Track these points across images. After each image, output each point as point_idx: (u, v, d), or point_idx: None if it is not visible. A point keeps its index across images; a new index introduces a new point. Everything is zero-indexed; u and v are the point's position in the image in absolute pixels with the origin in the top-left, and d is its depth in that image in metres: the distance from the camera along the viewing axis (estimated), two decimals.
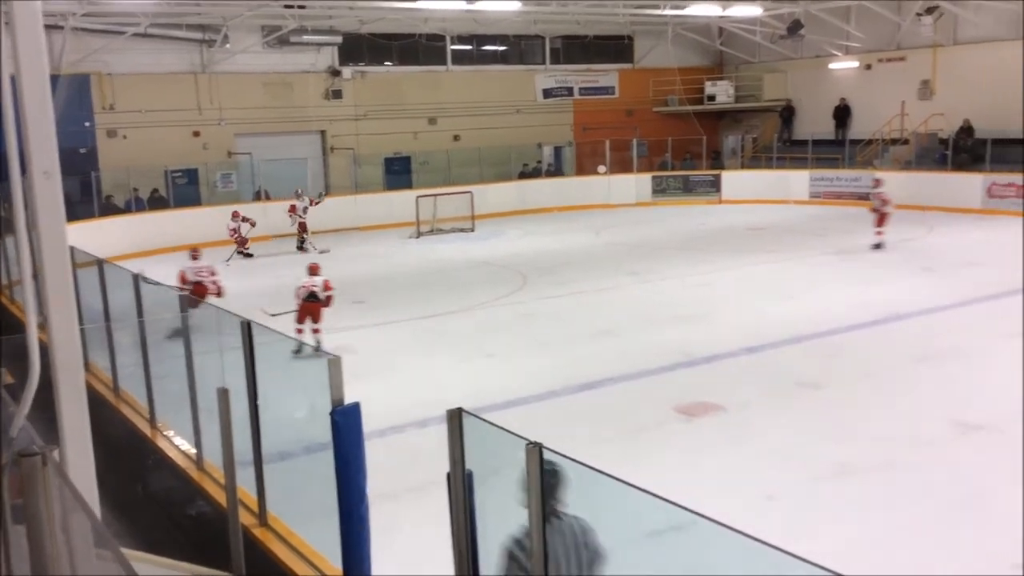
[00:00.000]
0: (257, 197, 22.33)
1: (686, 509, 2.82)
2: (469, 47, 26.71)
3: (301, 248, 19.43)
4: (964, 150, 22.60)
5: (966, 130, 22.71)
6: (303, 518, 4.75)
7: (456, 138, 25.86)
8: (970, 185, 21.74)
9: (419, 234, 20.68)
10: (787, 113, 28.05)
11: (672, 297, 13.32)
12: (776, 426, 7.76)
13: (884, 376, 9.14)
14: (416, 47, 25.48)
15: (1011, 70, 22.54)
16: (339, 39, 23.11)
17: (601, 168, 25.87)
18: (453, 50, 26.26)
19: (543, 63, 28.05)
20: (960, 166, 22.44)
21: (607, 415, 8.20)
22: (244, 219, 18.87)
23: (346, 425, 3.65)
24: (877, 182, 17.42)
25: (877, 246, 16.36)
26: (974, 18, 22.79)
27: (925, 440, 7.28)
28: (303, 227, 19.59)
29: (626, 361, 9.76)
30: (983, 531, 5.70)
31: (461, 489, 3.06)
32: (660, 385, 8.99)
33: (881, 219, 16.67)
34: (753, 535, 2.63)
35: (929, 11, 22.20)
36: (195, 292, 11.22)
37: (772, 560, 2.62)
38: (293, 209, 19.85)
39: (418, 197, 21.21)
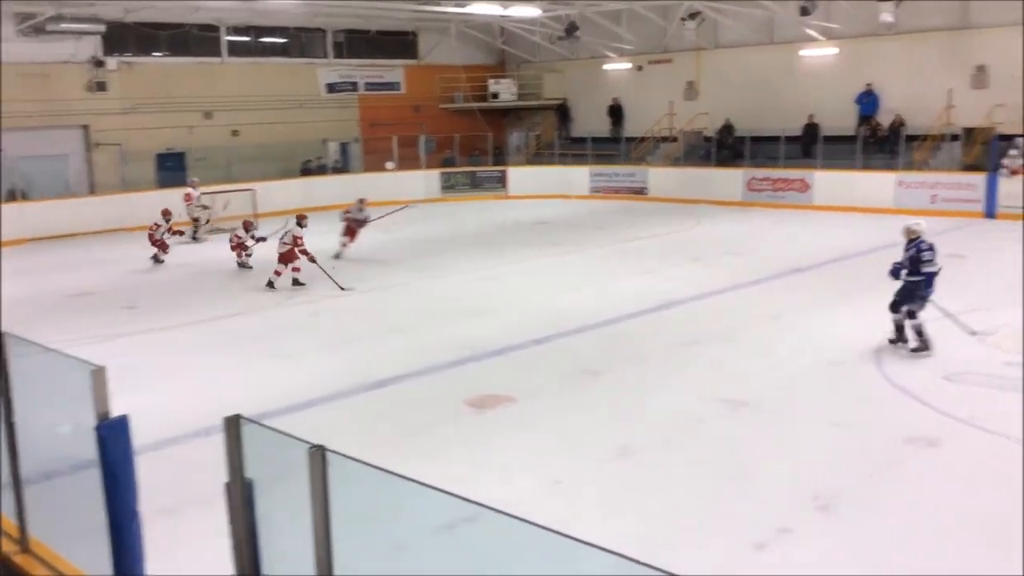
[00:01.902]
0: (12, 197, 20.50)
1: (468, 500, 2.83)
2: (247, 39, 25.77)
3: (195, 238, 19.04)
4: (726, 147, 24.31)
5: (727, 128, 24.44)
6: (70, 541, 4.40)
7: (235, 133, 24.89)
8: (732, 179, 23.43)
9: (196, 234, 19.73)
10: (563, 111, 29.07)
11: (461, 292, 13.47)
12: (564, 413, 8.03)
13: (660, 360, 9.67)
14: (187, 37, 24.28)
15: (764, 73, 24.50)
16: (102, 28, 21.60)
17: (389, 164, 25.75)
18: (229, 41, 25.24)
19: (326, 57, 27.53)
20: (723, 162, 24.13)
21: (399, 412, 8.17)
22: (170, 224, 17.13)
23: (113, 440, 3.41)
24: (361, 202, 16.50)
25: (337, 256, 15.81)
26: (733, 24, 24.56)
27: (697, 419, 7.75)
28: (195, 217, 19.29)
29: (416, 357, 9.75)
30: (751, 500, 6.14)
31: (240, 500, 2.93)
32: (451, 380, 9.05)
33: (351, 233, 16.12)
34: (539, 522, 2.69)
35: (692, 16, 23.69)
36: None
37: (559, 545, 2.69)
38: (188, 198, 19.25)
39: (187, 195, 20.23)
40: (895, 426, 7.40)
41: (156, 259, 16.52)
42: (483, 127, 29.16)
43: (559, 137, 28.45)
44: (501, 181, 26.60)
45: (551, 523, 2.68)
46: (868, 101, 22.49)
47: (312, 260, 13.71)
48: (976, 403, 7.87)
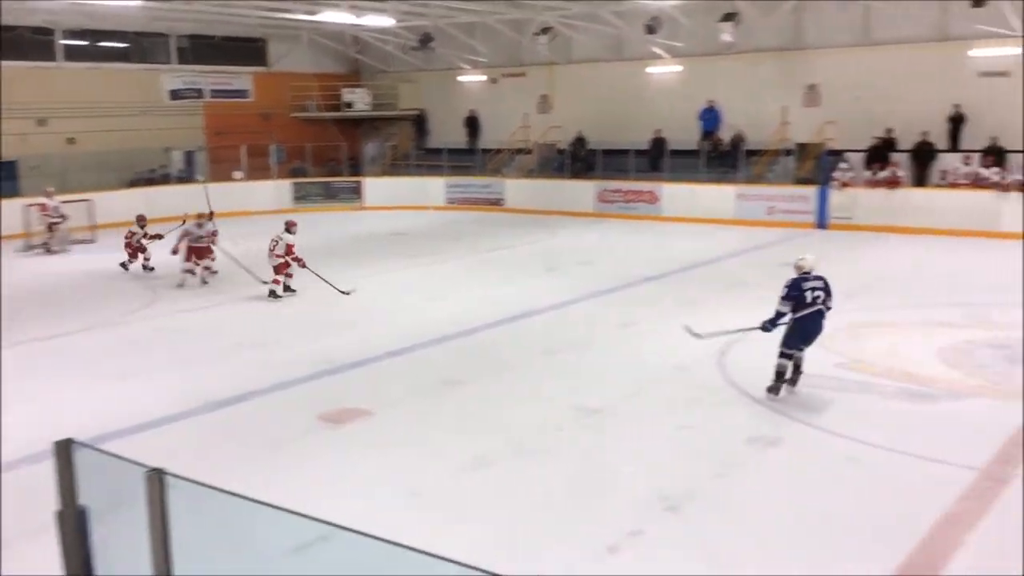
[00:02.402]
0: None
1: (318, 520, 2.78)
2: (84, 43, 24.49)
3: (49, 250, 18.41)
4: (579, 159, 24.87)
5: (580, 141, 25.00)
6: None
7: (71, 141, 23.59)
8: (585, 191, 23.98)
9: (31, 247, 18.56)
10: (419, 122, 29.04)
11: (317, 304, 13.20)
12: (422, 424, 7.99)
13: (518, 369, 9.78)
14: (20, 40, 22.85)
15: (614, 88, 25.23)
16: None
17: (237, 174, 25.00)
18: (64, 45, 23.93)
19: (169, 62, 26.49)
20: (576, 174, 24.66)
21: (249, 431, 7.93)
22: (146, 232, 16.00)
23: None
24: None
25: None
26: (584, 40, 25.18)
27: (553, 426, 7.88)
28: (51, 227, 18.51)
29: (270, 373, 9.49)
30: (604, 504, 6.27)
31: (72, 529, 2.76)
32: (306, 395, 8.86)
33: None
34: (395, 537, 2.67)
35: (544, 31, 24.15)
36: None
37: (414, 561, 2.67)
38: (44, 208, 18.52)
39: (27, 206, 19.06)
40: (738, 427, 7.74)
41: (124, 265, 15.95)
42: (337, 137, 28.74)
43: (415, 148, 28.36)
44: (356, 192, 26.28)
45: (409, 536, 2.66)
46: (710, 117, 23.48)
47: (304, 266, 13.57)
48: (812, 403, 8.32)
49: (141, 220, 16.12)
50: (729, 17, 21.45)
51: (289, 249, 13.43)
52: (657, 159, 23.64)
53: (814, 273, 8.40)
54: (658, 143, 23.73)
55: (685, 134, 23.32)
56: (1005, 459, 6.91)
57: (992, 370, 9.24)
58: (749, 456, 7.16)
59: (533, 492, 6.50)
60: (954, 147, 20.31)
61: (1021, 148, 18.83)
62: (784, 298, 8.30)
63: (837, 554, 5.56)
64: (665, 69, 24.58)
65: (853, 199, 20.14)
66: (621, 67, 25.28)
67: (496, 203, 25.36)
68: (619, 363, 9.94)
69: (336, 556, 2.84)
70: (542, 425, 7.91)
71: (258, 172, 25.60)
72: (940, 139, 20.38)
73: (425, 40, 25.32)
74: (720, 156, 22.85)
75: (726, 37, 21.57)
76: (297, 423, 8.01)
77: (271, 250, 13.52)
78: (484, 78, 27.97)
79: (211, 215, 15.16)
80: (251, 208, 23.49)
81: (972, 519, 5.93)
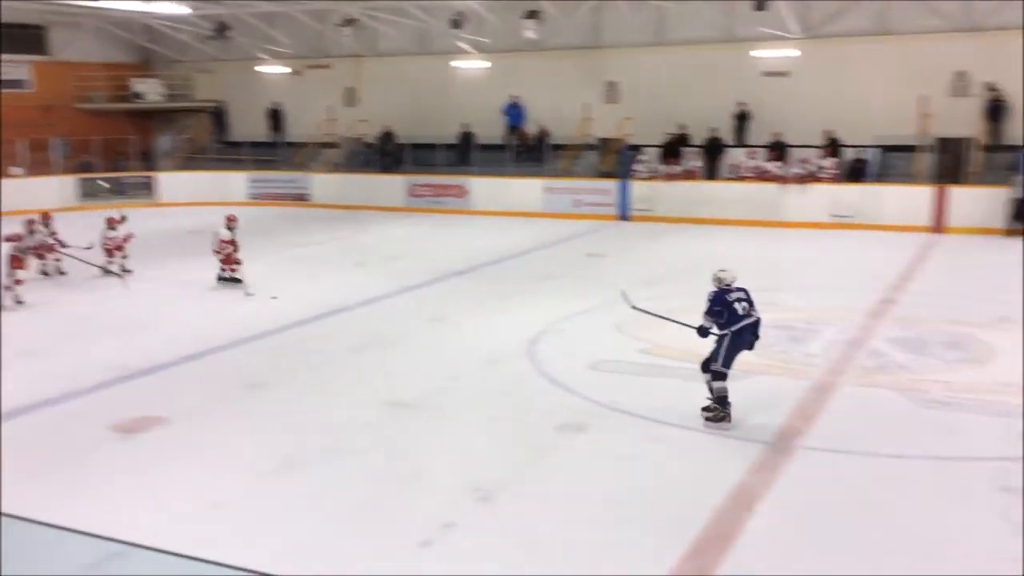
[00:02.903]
0: None
1: (112, 540, 2.57)
2: None
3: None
4: (387, 154, 24.65)
5: (388, 135, 24.77)
6: None
7: None
8: (394, 186, 23.81)
9: None
10: (219, 114, 27.86)
11: (108, 308, 12.38)
12: (224, 430, 7.63)
13: (327, 368, 9.53)
14: None
15: (421, 82, 25.17)
16: None
17: (16, 170, 23.08)
18: None
19: None
20: (385, 168, 24.43)
21: (33, 445, 7.30)
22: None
23: None
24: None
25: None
26: (389, 32, 24.95)
27: (363, 424, 7.73)
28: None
29: (53, 384, 8.78)
30: (416, 499, 6.21)
31: None
32: (95, 405, 8.26)
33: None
34: (193, 554, 2.50)
35: (348, 23, 23.73)
36: None
37: (211, 573, 2.52)
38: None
39: None
40: (548, 415, 7.88)
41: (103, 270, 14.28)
42: (127, 130, 27.09)
43: (214, 141, 27.17)
44: (149, 187, 24.90)
45: (210, 549, 2.49)
46: (514, 112, 23.88)
47: (230, 264, 13.64)
48: (617, 389, 8.59)
49: (113, 222, 14.89)
50: (532, 15, 21.86)
51: (221, 245, 13.69)
52: (465, 153, 23.80)
53: (735, 285, 7.69)
54: (466, 137, 23.89)
55: (492, 128, 23.60)
56: (790, 432, 7.40)
57: (778, 349, 9.87)
58: (559, 443, 7.30)
59: (343, 493, 6.35)
60: (740, 142, 21.65)
61: (800, 144, 20.32)
62: (708, 312, 7.59)
63: (643, 529, 5.76)
64: (471, 64, 24.76)
65: (653, 191, 21.06)
66: (427, 61, 25.25)
67: (302, 198, 24.73)
68: (430, 357, 9.91)
69: (134, 573, 2.63)
70: (352, 424, 7.75)
71: (39, 167, 23.73)
72: (728, 135, 21.66)
73: (221, 29, 24.31)
74: (527, 150, 23.29)
75: (529, 34, 21.98)
76: (87, 435, 7.45)
77: (213, 250, 13.80)
78: (287, 70, 27.17)
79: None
80: (33, 206, 21.67)
81: (762, 489, 6.30)
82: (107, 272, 14.05)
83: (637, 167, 21.44)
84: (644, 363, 9.46)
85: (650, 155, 21.65)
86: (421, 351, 10.17)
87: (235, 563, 4.51)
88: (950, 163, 19.15)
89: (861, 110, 20.16)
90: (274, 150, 26.19)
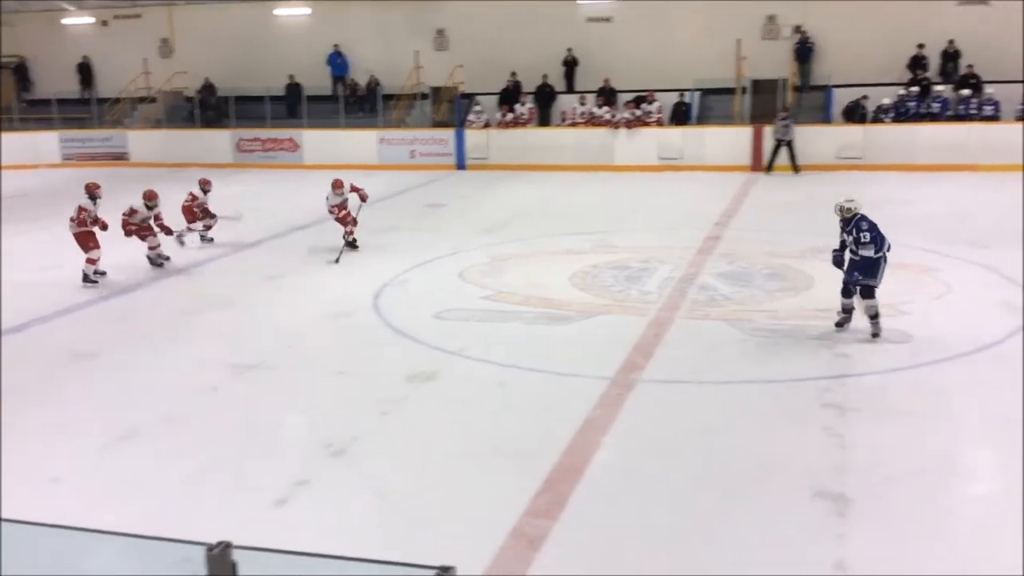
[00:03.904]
0: None
1: None
2: None
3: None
4: (210, 108, 23.58)
5: (209, 88, 23.69)
6: None
7: None
8: (220, 141, 22.87)
9: None
10: (20, 71, 25.83)
11: None
12: (55, 404, 7.23)
13: (163, 332, 9.16)
14: None
15: (241, 31, 24.13)
16: None
17: None
18: None
19: None
20: (208, 123, 23.39)
21: None
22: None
23: None
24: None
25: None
26: None
27: (206, 389, 7.50)
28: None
29: None
30: (267, 459, 6.12)
31: None
32: None
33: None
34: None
35: None
36: None
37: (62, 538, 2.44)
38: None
39: None
40: (396, 366, 7.89)
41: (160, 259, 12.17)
42: None
43: (17, 100, 25.21)
44: None
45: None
46: (338, 62, 23.33)
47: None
48: (463, 336, 8.68)
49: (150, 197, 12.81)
50: None
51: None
52: (294, 105, 23.11)
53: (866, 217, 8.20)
54: (293, 89, 23.18)
55: (321, 79, 23.01)
56: (630, 367, 7.72)
57: (615, 289, 10.23)
58: (409, 392, 7.34)
59: (191, 458, 6.17)
60: (570, 89, 22.02)
61: (628, 89, 20.88)
62: (872, 240, 8.04)
63: (497, 469, 5.90)
64: (293, 11, 23.94)
65: (487, 140, 21.16)
66: (246, 9, 24.23)
67: (120, 157, 23.40)
68: (271, 316, 9.69)
69: None
70: (194, 389, 7.51)
71: None
72: (558, 82, 21.98)
73: None
74: (358, 101, 22.84)
75: None
76: None
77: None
78: (92, 20, 25.40)
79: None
80: None
81: (607, 423, 6.57)
82: None
83: (471, 116, 21.45)
84: (488, 309, 9.59)
85: (483, 103, 21.70)
86: (261, 310, 9.93)
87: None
88: (765, 104, 20.20)
89: (682, 53, 20.87)
90: (86, 107, 24.55)
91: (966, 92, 18.87)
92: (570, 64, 22.10)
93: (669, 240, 12.75)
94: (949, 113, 18.95)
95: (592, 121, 20.83)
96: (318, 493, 5.64)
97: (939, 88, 19.24)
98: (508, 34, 22.24)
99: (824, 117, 19.78)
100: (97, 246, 11.14)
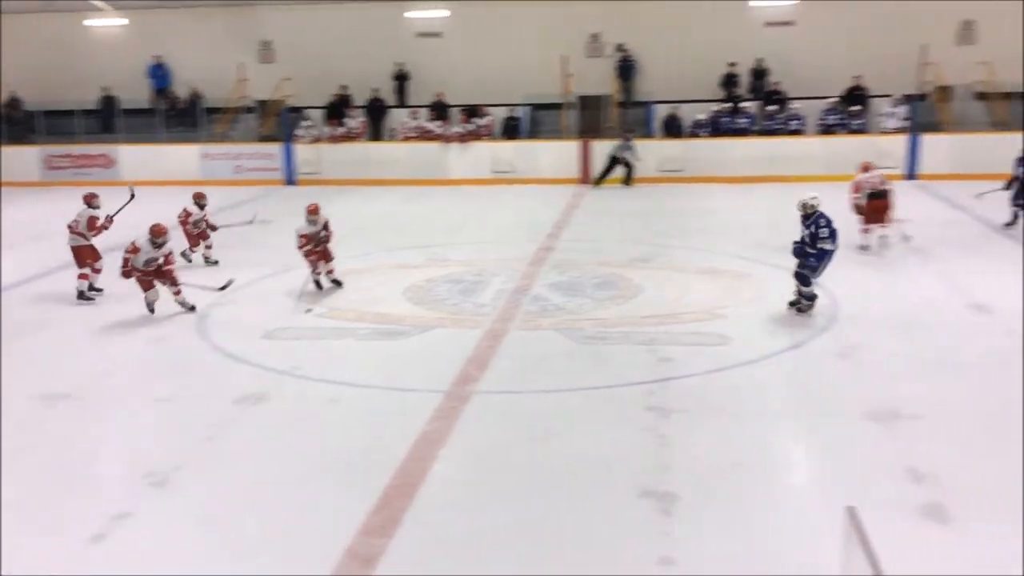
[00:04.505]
0: None
1: None
2: None
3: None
4: (15, 122, 22.09)
5: (14, 102, 22.21)
6: None
7: None
8: (27, 158, 21.47)
9: None
10: None
11: None
12: None
13: None
14: None
15: (52, 42, 22.75)
16: None
17: None
18: None
19: None
20: (14, 139, 21.89)
21: None
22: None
23: None
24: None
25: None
26: None
27: (14, 422, 6.98)
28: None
29: None
30: (82, 494, 5.76)
31: None
32: None
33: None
34: None
35: None
36: None
37: None
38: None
39: None
40: (223, 389, 7.60)
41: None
42: None
43: None
44: None
45: None
46: (160, 74, 22.40)
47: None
48: (294, 355, 8.47)
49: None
50: None
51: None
52: (109, 119, 21.96)
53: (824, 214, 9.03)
54: (108, 102, 22.04)
55: (137, 92, 21.99)
56: (465, 379, 7.75)
57: (450, 303, 10.26)
58: (236, 416, 7.08)
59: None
60: (402, 103, 21.99)
61: (460, 103, 21.04)
62: (830, 235, 8.96)
63: (330, 489, 5.78)
64: (107, 22, 22.78)
65: (318, 154, 20.80)
66: (55, 19, 22.85)
67: None
68: (87, 342, 9.15)
69: None
70: (5, 421, 6.97)
71: None
72: (390, 96, 21.91)
73: None
74: (178, 114, 21.98)
75: None
76: None
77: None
78: None
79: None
80: None
81: (442, 436, 6.57)
82: None
83: (299, 131, 21.05)
84: (321, 327, 9.42)
85: (313, 117, 21.34)
86: (76, 336, 9.35)
87: None
88: (591, 119, 20.85)
89: (511, 69, 21.23)
90: None
91: (772, 108, 20.11)
92: (401, 78, 22.08)
93: (503, 252, 12.91)
94: (756, 128, 20.13)
95: (425, 135, 20.86)
96: (138, 526, 5.35)
97: (747, 104, 20.41)
98: (337, 47, 21.97)
99: (646, 132, 20.59)
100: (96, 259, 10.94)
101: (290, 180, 20.81)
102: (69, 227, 11.04)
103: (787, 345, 8.44)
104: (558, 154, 20.14)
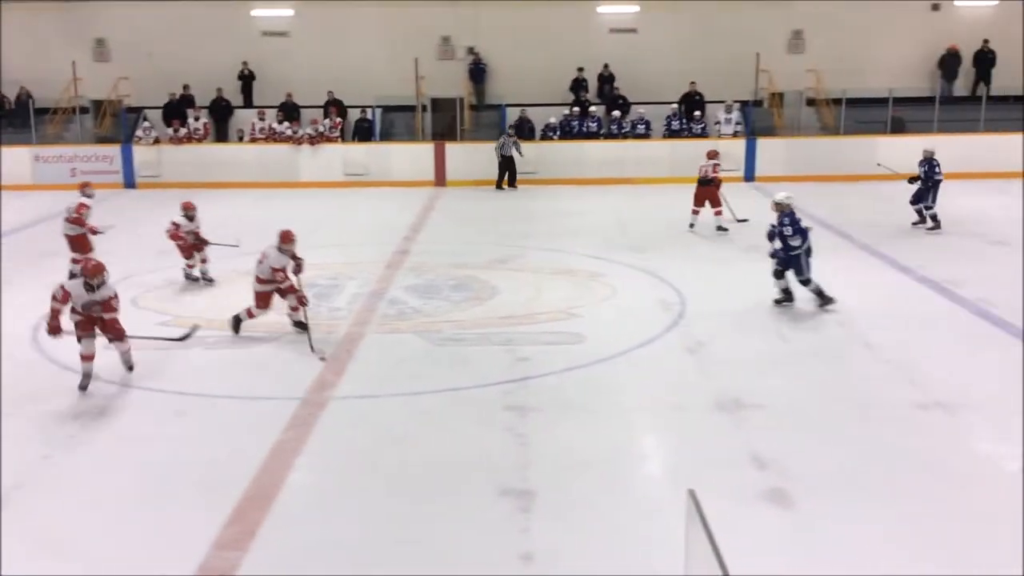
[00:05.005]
0: None
1: None
2: None
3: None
4: None
5: None
6: None
7: None
8: None
9: None
10: None
11: None
12: None
13: None
14: None
15: None
16: None
17: None
18: None
19: None
20: None
21: None
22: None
23: None
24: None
25: None
26: None
27: None
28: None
29: None
30: None
31: None
32: None
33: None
34: None
35: None
36: None
37: None
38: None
39: None
40: (62, 404, 7.21)
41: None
42: None
43: None
44: None
45: None
46: None
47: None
48: (137, 366, 8.03)
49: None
50: None
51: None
52: None
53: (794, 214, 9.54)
54: None
55: None
56: (321, 385, 7.61)
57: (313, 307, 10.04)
58: (76, 432, 6.72)
59: None
60: (248, 104, 21.38)
61: (310, 104, 20.63)
62: (798, 233, 9.38)
63: (181, 505, 5.56)
64: None
65: (159, 156, 19.94)
66: None
67: None
68: None
69: None
70: None
71: None
72: (235, 96, 21.25)
73: None
74: (6, 115, 20.62)
75: None
76: None
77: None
78: None
79: None
80: None
81: (299, 444, 6.43)
82: None
83: (139, 132, 20.12)
84: (168, 335, 9.02)
85: (152, 118, 20.44)
86: None
87: None
88: (444, 121, 20.86)
89: (362, 71, 20.98)
90: None
91: (617, 113, 20.68)
92: (247, 78, 21.45)
93: (358, 256, 12.75)
94: (603, 132, 20.64)
95: (273, 137, 20.34)
96: None
97: (594, 108, 20.90)
98: (178, 46, 21.11)
99: (500, 134, 20.76)
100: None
101: (130, 183, 19.86)
102: (65, 218, 11.17)
103: (639, 342, 8.71)
104: (412, 156, 20.06)
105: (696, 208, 13.90)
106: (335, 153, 20.10)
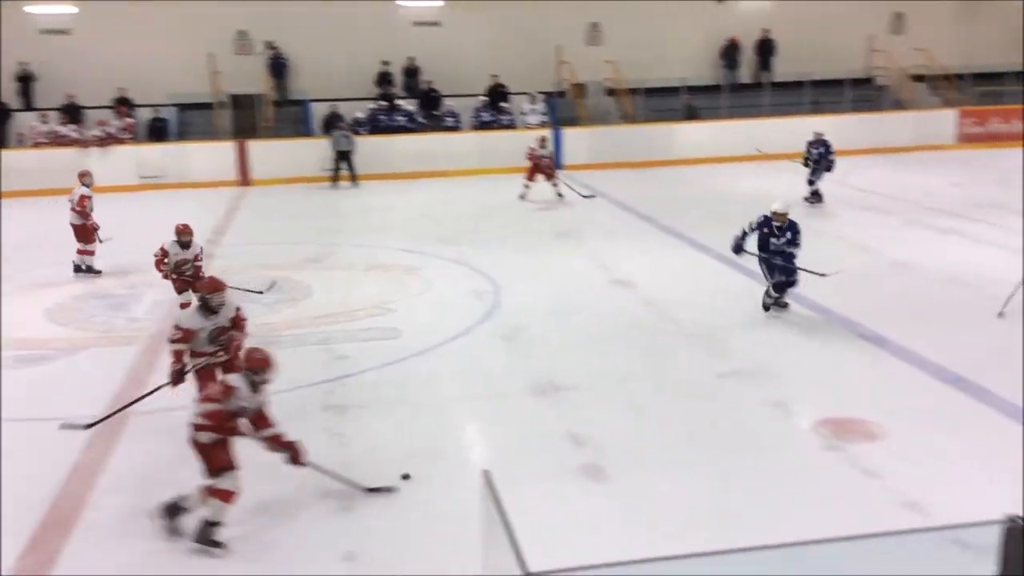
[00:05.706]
0: None
1: None
2: None
3: None
4: None
5: None
6: None
7: None
8: None
9: None
10: None
11: None
12: None
13: None
14: None
15: None
16: None
17: None
18: None
19: None
20: None
21: None
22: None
23: None
24: None
25: None
26: None
27: None
28: None
29: None
30: None
31: None
32: None
33: None
34: None
35: None
36: None
37: None
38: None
39: None
40: None
41: None
42: None
43: None
44: None
45: None
46: None
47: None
48: None
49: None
50: None
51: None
52: None
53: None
54: None
55: None
56: (121, 400, 7.16)
57: (100, 320, 9.46)
58: None
59: None
60: (29, 106, 19.86)
61: (94, 104, 19.38)
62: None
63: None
64: None
65: None
66: None
67: None
68: None
69: None
70: None
71: None
72: (12, 98, 19.69)
73: None
74: None
75: None
76: None
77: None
78: None
79: None
80: None
81: (100, 463, 6.04)
82: None
83: None
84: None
85: None
86: None
87: None
88: (245, 119, 20.13)
89: (153, 68, 19.90)
90: None
91: (429, 107, 20.66)
92: (25, 79, 19.89)
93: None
94: (412, 125, 20.58)
95: (58, 140, 18.96)
96: None
97: (402, 102, 20.79)
98: None
99: (305, 131, 20.30)
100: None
101: None
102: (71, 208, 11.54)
103: (455, 333, 8.74)
104: (212, 156, 19.23)
105: (528, 182, 15.67)
106: (127, 155, 18.99)
